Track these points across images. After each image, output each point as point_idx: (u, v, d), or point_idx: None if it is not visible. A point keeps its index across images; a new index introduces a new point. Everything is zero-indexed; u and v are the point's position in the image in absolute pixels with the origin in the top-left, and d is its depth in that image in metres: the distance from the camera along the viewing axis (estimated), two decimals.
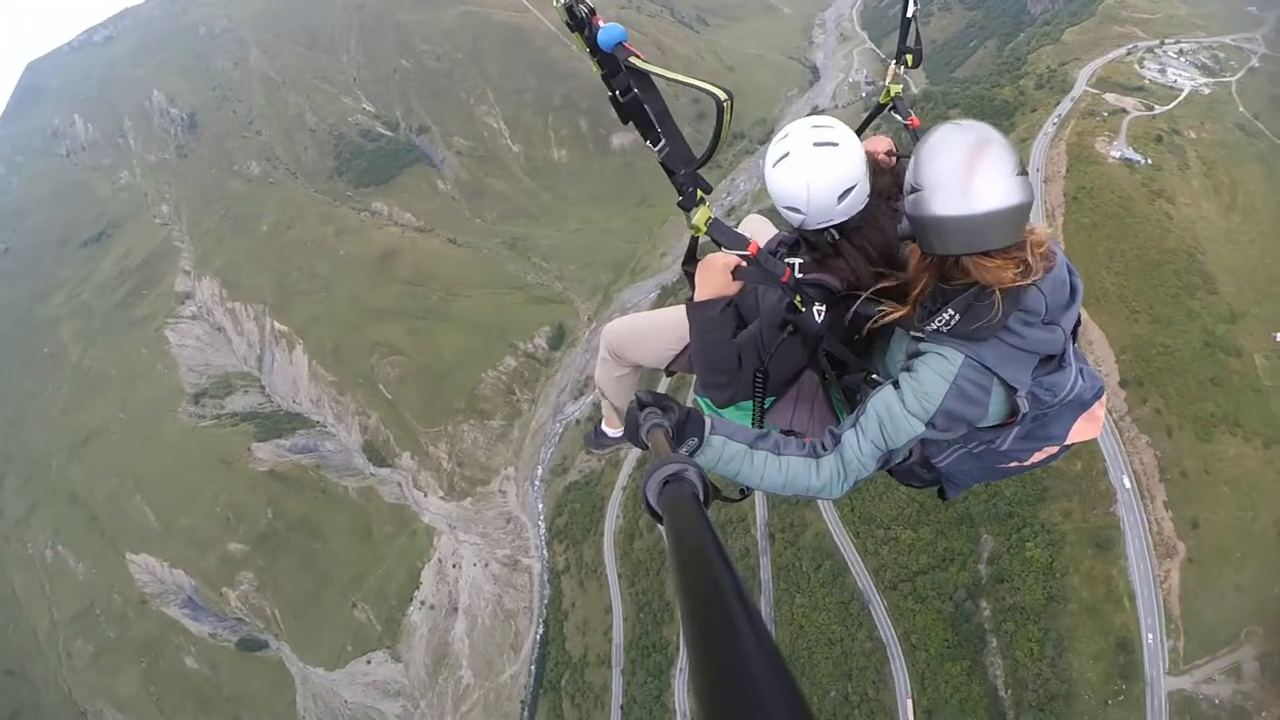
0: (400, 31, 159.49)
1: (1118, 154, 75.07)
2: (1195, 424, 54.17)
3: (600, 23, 3.05)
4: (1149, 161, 73.55)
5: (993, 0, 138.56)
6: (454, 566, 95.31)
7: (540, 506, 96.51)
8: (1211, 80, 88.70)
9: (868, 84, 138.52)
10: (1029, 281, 2.95)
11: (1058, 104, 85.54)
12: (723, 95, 2.89)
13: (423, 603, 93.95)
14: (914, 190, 2.94)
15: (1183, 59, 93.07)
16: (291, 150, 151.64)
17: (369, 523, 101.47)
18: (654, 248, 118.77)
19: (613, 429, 5.20)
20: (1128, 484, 52.94)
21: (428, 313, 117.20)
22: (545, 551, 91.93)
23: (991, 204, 2.78)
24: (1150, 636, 47.48)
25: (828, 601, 61.95)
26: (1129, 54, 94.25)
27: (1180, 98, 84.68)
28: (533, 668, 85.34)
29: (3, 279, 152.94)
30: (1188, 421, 54.39)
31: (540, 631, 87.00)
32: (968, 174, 2.79)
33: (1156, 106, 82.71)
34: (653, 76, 3.15)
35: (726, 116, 2.93)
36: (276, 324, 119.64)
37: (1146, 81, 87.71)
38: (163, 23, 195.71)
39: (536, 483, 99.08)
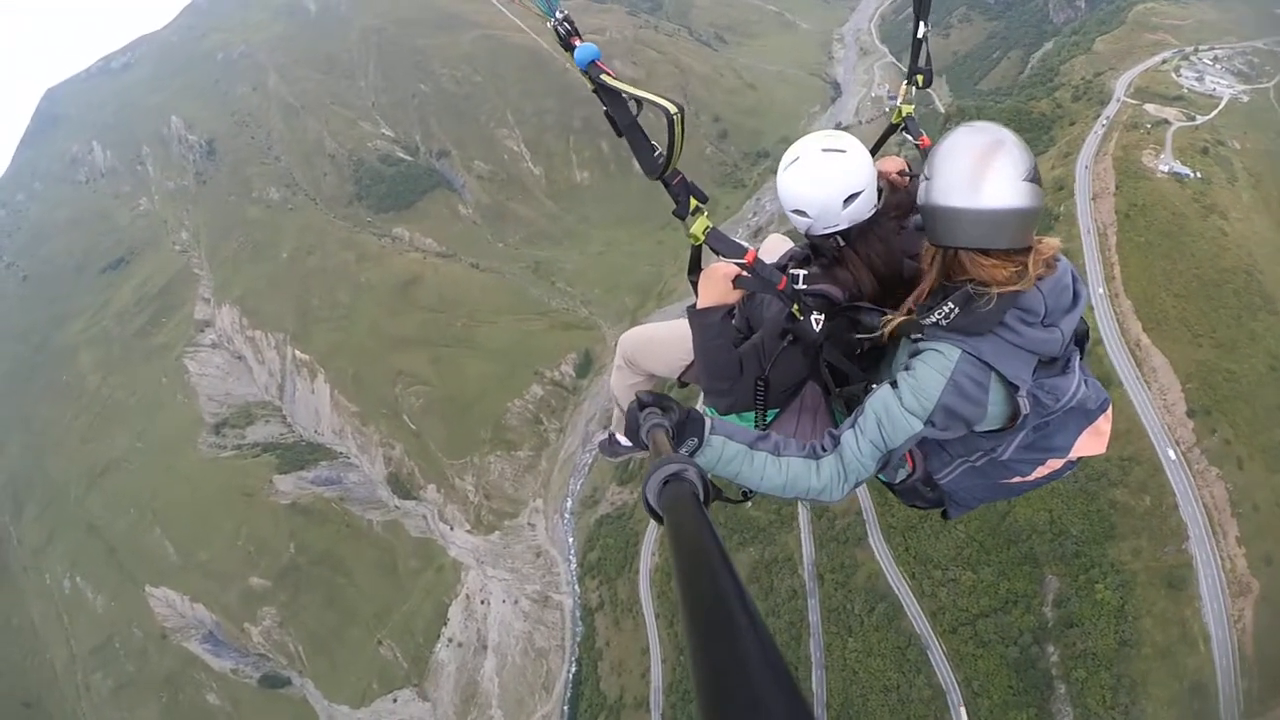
0: (418, 55, 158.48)
1: (1166, 168, 72.53)
2: (1266, 454, 51.67)
3: (577, 43, 3.25)
4: (1198, 175, 71.12)
5: (1014, 10, 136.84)
6: (482, 603, 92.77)
7: (571, 540, 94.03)
8: (1249, 87, 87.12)
9: (890, 99, 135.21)
10: (1022, 286, 3.10)
11: (1097, 116, 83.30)
12: (673, 108, 3.08)
13: (450, 640, 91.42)
14: (925, 178, 3.14)
15: (1218, 66, 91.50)
16: (311, 176, 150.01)
17: (394, 557, 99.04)
18: (680, 271, 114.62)
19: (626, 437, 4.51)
20: (1200, 519, 50.52)
21: (451, 340, 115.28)
22: (577, 587, 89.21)
23: (997, 202, 2.97)
24: (1224, 680, 45.00)
25: (883, 646, 59.12)
26: (1164, 62, 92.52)
27: (1220, 106, 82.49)
28: (565, 708, 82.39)
29: (21, 306, 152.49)
30: (1258, 452, 51.91)
31: (573, 670, 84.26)
32: (979, 169, 2.97)
33: (1198, 116, 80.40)
34: (623, 92, 3.26)
35: (678, 129, 3.13)
36: (297, 352, 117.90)
37: (1185, 90, 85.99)
38: (180, 49, 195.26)
39: (566, 515, 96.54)
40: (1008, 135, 3.04)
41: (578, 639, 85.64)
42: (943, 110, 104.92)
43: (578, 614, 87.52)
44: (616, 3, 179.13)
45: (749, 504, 3.99)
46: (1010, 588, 54.44)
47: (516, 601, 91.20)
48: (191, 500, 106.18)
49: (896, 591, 60.28)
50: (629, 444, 4.74)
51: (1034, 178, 3.00)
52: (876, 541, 62.98)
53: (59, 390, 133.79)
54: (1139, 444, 54.25)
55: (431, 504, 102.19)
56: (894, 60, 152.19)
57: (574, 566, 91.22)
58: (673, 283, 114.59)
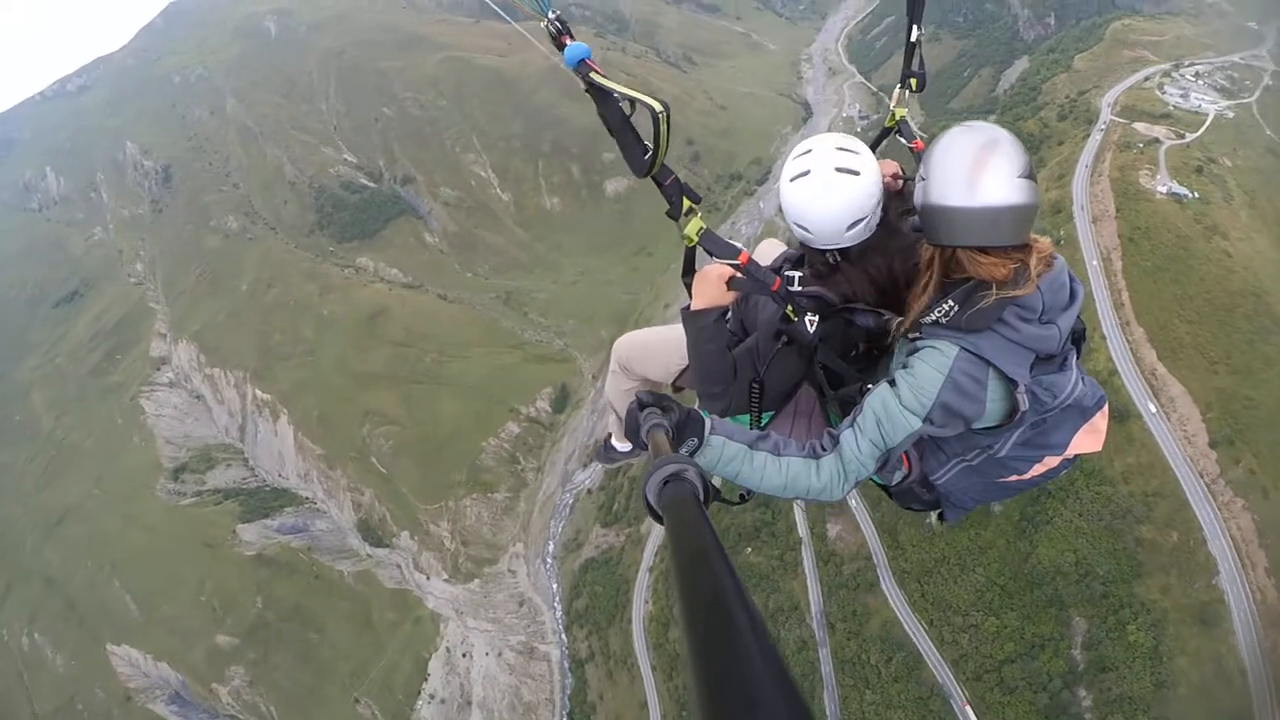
0: (381, 79, 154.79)
1: (1164, 189, 71.88)
2: None
3: (568, 41, 3.29)
4: (1196, 195, 70.67)
5: (983, 29, 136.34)
6: (464, 656, 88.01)
7: (555, 587, 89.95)
8: (1233, 102, 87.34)
9: (862, 118, 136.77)
10: (1022, 291, 3.14)
11: (1086, 136, 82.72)
12: (658, 106, 3.16)
13: (432, 696, 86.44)
14: (922, 179, 3.20)
15: (1201, 82, 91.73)
16: (270, 204, 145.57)
17: (368, 610, 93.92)
18: (656, 298, 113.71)
19: (622, 444, 5.32)
20: (1228, 552, 49.43)
21: (421, 376, 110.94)
22: (564, 637, 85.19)
23: (994, 199, 3.02)
24: (1261, 714, 44.26)
25: (903, 698, 56.58)
26: (1147, 79, 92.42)
27: (1207, 123, 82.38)
28: None
29: None
30: None
31: None
32: (975, 168, 3.01)
33: (1187, 134, 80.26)
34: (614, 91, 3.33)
35: (663, 127, 3.21)
36: (259, 392, 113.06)
37: (1171, 107, 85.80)
38: (137, 71, 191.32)
39: (548, 560, 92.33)
40: (1002, 133, 3.08)
41: (568, 692, 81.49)
42: (917, 129, 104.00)
43: (566, 665, 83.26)
44: (583, 24, 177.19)
45: (746, 503, 3.84)
46: (1036, 631, 52.85)
47: (500, 653, 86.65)
48: (152, 551, 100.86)
49: (914, 639, 58.16)
50: (625, 450, 5.33)
51: (1029, 174, 3.04)
52: (889, 587, 61.01)
53: (12, 431, 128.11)
54: (1163, 478, 53.15)
55: (405, 552, 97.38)
56: (863, 80, 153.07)
57: (560, 615, 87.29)
58: (649, 311, 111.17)
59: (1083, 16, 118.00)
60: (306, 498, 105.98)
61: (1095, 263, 66.30)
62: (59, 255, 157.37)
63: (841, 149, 3.66)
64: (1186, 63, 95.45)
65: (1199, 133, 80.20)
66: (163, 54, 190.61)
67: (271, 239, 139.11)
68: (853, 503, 64.75)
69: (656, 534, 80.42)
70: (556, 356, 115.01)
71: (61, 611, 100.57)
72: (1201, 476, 52.47)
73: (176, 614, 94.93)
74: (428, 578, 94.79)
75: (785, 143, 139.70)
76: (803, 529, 68.34)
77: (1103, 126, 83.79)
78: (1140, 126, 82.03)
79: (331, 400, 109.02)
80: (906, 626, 58.84)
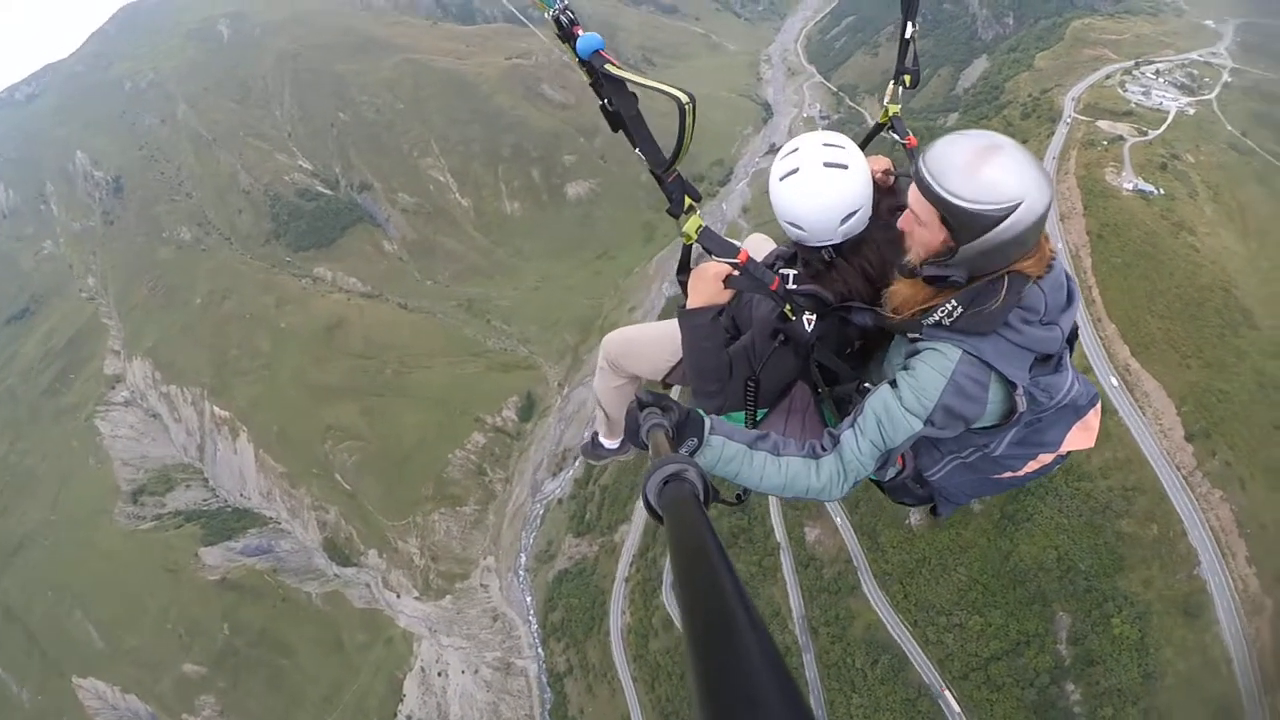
0: (337, 82, 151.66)
1: (1130, 185, 73.19)
2: (1267, 474, 51.72)
3: (579, 32, 3.23)
4: (1161, 191, 72.14)
5: (942, 28, 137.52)
6: (439, 675, 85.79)
7: (529, 600, 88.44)
8: (1193, 99, 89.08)
9: (822, 118, 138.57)
10: (1037, 269, 3.16)
11: (1050, 134, 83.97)
12: (685, 98, 3.06)
13: (409, 717, 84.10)
14: (997, 205, 3.01)
15: (1162, 79, 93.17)
16: (224, 213, 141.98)
17: (338, 632, 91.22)
18: (621, 303, 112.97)
19: (609, 440, 5.33)
20: (1208, 542, 50.61)
21: (383, 388, 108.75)
22: (541, 651, 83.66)
23: (1043, 205, 3.01)
24: (1249, 701, 45.32)
25: (890, 700, 56.71)
26: (1108, 78, 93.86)
27: (1169, 120, 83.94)
28: None
29: None
30: (1259, 471, 51.95)
31: None
32: (1040, 170, 3.02)
33: (1150, 131, 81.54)
34: (627, 83, 3.28)
35: (689, 119, 3.10)
36: (216, 409, 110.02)
37: (1133, 105, 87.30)
38: (86, 78, 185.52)
39: (521, 573, 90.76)
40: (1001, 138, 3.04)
41: (547, 707, 79.98)
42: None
43: (545, 680, 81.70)
44: (541, 27, 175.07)
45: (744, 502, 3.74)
46: (1021, 628, 53.31)
47: (477, 671, 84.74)
48: (113, 579, 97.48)
49: (899, 641, 58.35)
50: (613, 447, 5.34)
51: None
52: (871, 590, 60.85)
53: None
54: (1141, 472, 54.14)
55: (374, 570, 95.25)
56: (823, 80, 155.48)
57: (535, 629, 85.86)
58: (614, 315, 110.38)
59: (1041, 16, 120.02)
60: (270, 518, 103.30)
61: (1064, 260, 66.11)
62: (8, 271, 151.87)
63: (828, 145, 3.68)
64: (1147, 60, 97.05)
65: (1161, 129, 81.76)
66: (113, 60, 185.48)
67: (226, 249, 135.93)
68: (830, 505, 64.58)
69: (631, 544, 79.92)
70: (521, 364, 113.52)
71: (23, 644, 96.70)
72: (1179, 469, 53.25)
73: (141, 643, 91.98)
74: (398, 596, 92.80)
75: (746, 143, 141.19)
76: (780, 534, 67.84)
77: (1068, 121, 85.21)
78: (1104, 124, 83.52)
79: (291, 416, 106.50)
80: (890, 628, 58.86)
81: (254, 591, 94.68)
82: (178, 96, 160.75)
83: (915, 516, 59.57)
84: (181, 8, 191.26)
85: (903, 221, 3.33)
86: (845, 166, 3.61)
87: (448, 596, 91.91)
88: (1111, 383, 58.27)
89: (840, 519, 64.40)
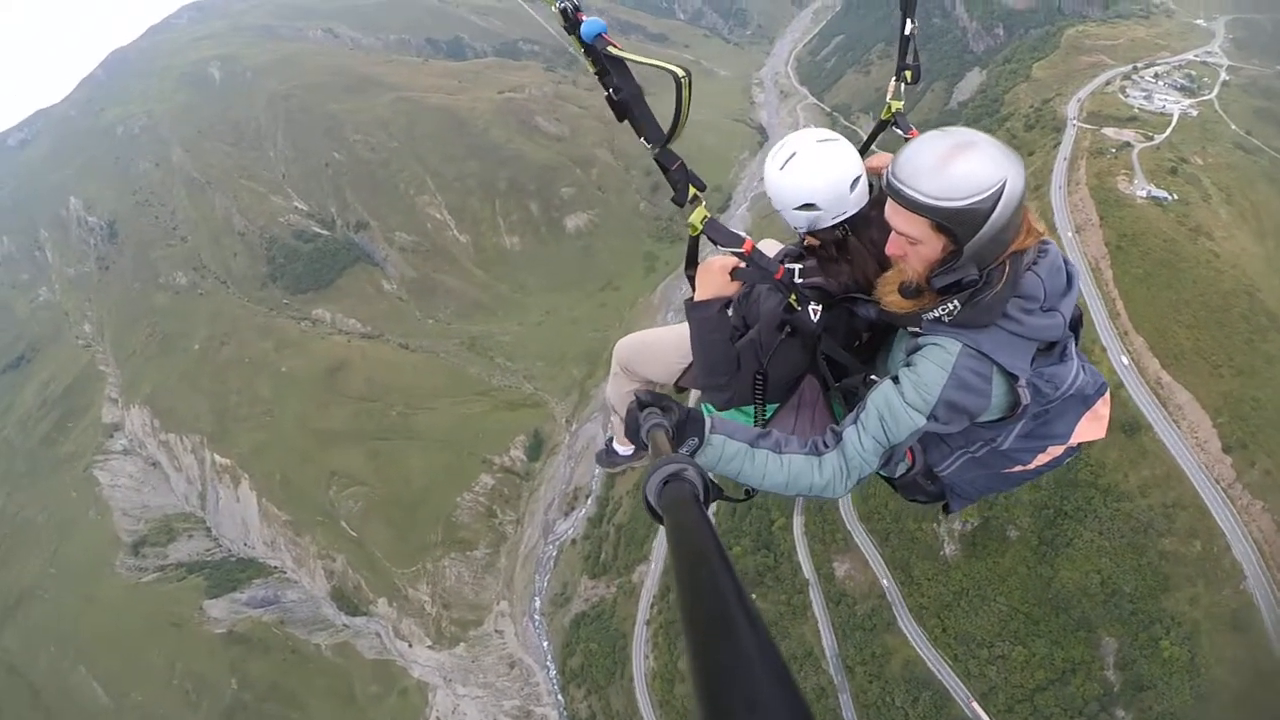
0: (330, 122, 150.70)
1: (1143, 193, 72.03)
2: None
3: (582, 18, 3.25)
4: (1175, 197, 71.19)
5: (933, 43, 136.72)
6: None
7: (546, 645, 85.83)
8: (1195, 100, 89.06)
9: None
10: (1029, 241, 3.16)
11: (1056, 145, 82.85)
12: (681, 73, 3.12)
13: None
14: (976, 192, 3.07)
15: (1161, 82, 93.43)
16: (220, 257, 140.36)
17: (350, 684, 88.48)
18: (626, 333, 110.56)
19: (624, 447, 5.26)
20: (1253, 555, 49.45)
21: (387, 432, 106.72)
22: (561, 698, 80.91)
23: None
24: None
25: None
26: (1108, 84, 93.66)
27: (1173, 123, 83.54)
28: None
29: None
30: None
31: None
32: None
33: (1155, 135, 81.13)
34: (628, 62, 3.35)
35: (685, 93, 3.16)
36: (217, 456, 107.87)
37: (1137, 110, 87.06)
38: (79, 123, 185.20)
39: (536, 617, 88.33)
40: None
41: None
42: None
43: None
44: (532, 59, 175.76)
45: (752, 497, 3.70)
46: (1066, 656, 51.85)
47: None
48: (116, 633, 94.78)
49: (939, 676, 56.47)
50: (627, 453, 5.28)
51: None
52: (907, 625, 58.97)
53: None
54: (1180, 488, 53.00)
55: (384, 619, 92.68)
56: (815, 100, 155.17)
57: (554, 674, 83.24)
58: None
59: (1031, 26, 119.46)
60: (275, 567, 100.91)
61: (1086, 274, 65.27)
62: (3, 319, 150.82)
63: (811, 131, 3.84)
64: (1144, 64, 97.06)
65: (1166, 133, 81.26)
66: (105, 105, 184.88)
67: (223, 293, 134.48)
68: (859, 539, 63.18)
69: (650, 585, 77.60)
70: (527, 401, 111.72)
71: (26, 700, 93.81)
72: (1218, 483, 52.14)
73: (148, 700, 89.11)
74: (410, 645, 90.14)
75: (743, 169, 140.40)
76: (808, 570, 65.75)
77: (1075, 125, 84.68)
78: (1109, 131, 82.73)
79: (294, 462, 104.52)
80: (930, 664, 57.10)
81: (261, 644, 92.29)
82: (170, 140, 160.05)
83: (949, 548, 57.94)
84: (171, 52, 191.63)
85: (892, 248, 3.26)
86: (836, 139, 3.77)
87: (461, 644, 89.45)
88: (1123, 361, 58.78)
89: (871, 552, 62.56)
